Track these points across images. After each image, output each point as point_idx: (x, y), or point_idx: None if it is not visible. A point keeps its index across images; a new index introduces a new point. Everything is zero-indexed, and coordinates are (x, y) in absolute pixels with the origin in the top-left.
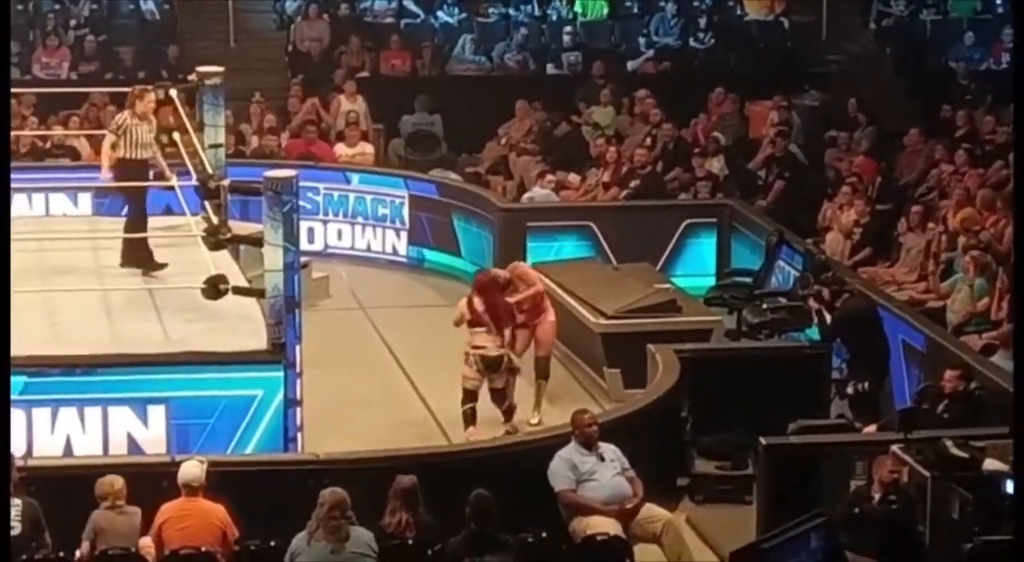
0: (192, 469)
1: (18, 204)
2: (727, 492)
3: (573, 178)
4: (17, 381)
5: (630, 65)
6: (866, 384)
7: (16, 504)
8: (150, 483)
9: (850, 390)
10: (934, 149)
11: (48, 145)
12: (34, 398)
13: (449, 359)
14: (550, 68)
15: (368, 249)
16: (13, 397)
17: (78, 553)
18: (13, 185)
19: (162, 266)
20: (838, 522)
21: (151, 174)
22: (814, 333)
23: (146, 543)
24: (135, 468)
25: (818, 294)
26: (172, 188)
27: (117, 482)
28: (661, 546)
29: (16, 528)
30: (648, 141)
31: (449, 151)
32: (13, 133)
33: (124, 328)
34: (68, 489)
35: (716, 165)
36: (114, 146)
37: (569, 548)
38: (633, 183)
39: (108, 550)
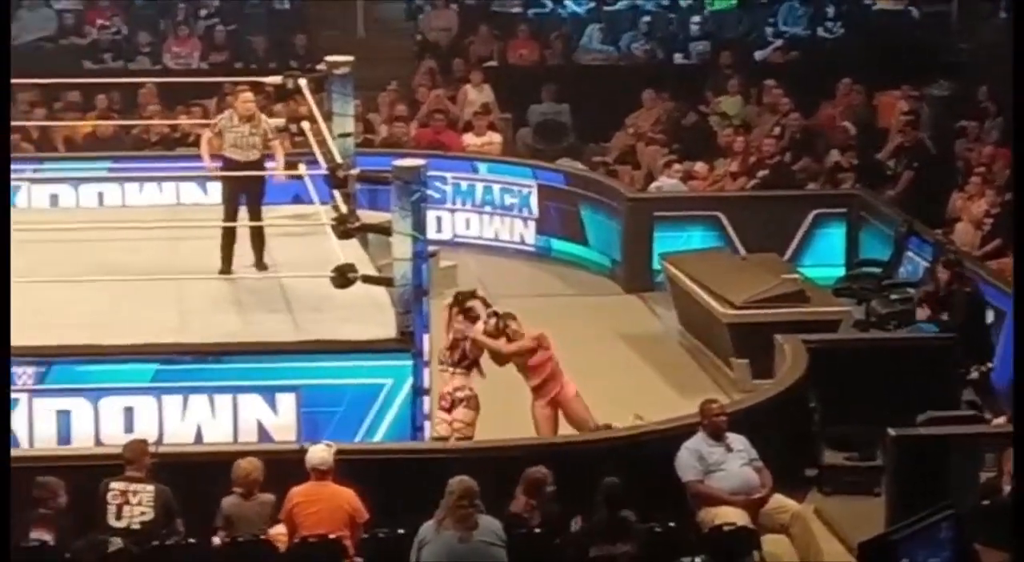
0: (320, 453)
1: (149, 192)
2: (856, 483)
3: (701, 167)
4: (148, 369)
5: (758, 55)
6: (988, 364)
7: (148, 490)
8: (279, 470)
9: (975, 374)
10: None
11: (178, 134)
12: (165, 385)
13: (575, 348)
14: (678, 57)
15: (496, 238)
16: (144, 384)
17: (215, 540)
18: (144, 173)
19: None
20: (968, 514)
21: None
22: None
23: (278, 531)
24: (263, 455)
25: (934, 279)
26: (300, 177)
27: (250, 469)
28: (789, 537)
29: (148, 514)
30: (776, 131)
31: (577, 140)
32: (143, 122)
33: (254, 316)
34: (199, 476)
35: (845, 155)
36: (211, 143)
37: (697, 538)
38: (761, 173)
39: (239, 537)
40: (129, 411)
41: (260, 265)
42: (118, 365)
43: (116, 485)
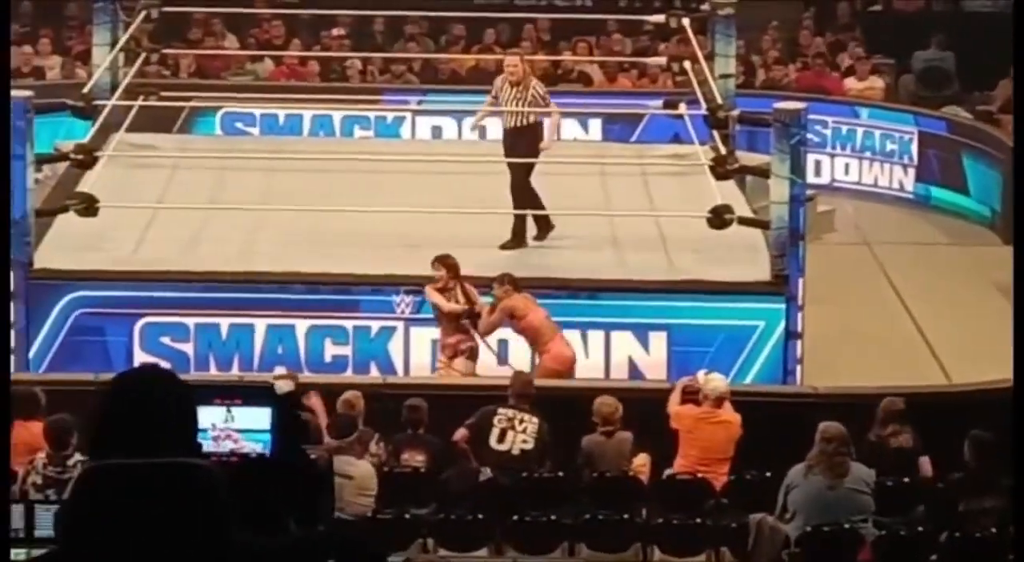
0: (720, 382)
1: None
2: None
3: None
4: None
5: None
6: None
7: (534, 421)
8: (649, 408)
9: None
10: None
11: (560, 71)
12: None
13: (951, 298)
14: None
15: (875, 184)
16: None
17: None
18: (527, 108)
19: (519, 245)
20: None
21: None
22: None
23: (640, 463)
24: (634, 393)
25: None
26: (680, 116)
27: (616, 407)
28: None
29: (529, 443)
30: None
31: (961, 88)
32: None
33: (629, 254)
34: (571, 411)
35: None
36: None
37: None
38: None
39: (606, 472)
40: (504, 343)
41: (542, 236)
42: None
43: (504, 411)
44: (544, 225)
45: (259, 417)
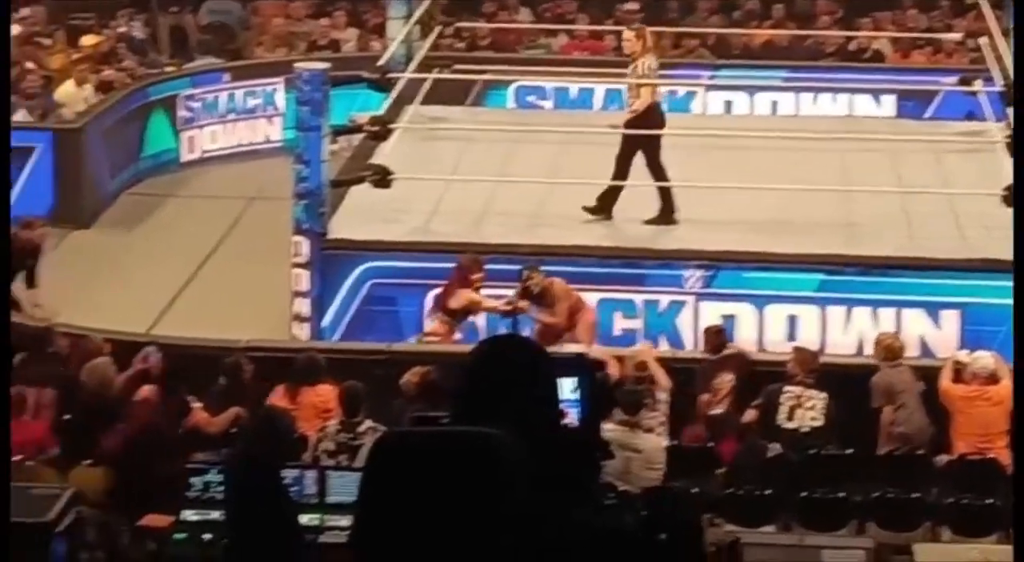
0: (988, 359)
1: (822, 103)
2: None
3: None
4: (814, 278)
5: None
6: None
7: (821, 398)
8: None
9: None
10: None
11: (855, 47)
12: (830, 296)
13: None
14: None
15: None
16: (809, 293)
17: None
18: (819, 84)
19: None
20: None
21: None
22: None
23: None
24: (925, 371)
25: None
26: (975, 93)
27: (895, 340)
28: None
29: (818, 420)
30: None
31: None
32: (819, 33)
33: (921, 231)
34: (855, 387)
35: None
36: None
37: None
38: None
39: (895, 451)
40: (793, 319)
41: (666, 219)
42: (785, 273)
43: (791, 388)
44: (669, 209)
45: (570, 387)
